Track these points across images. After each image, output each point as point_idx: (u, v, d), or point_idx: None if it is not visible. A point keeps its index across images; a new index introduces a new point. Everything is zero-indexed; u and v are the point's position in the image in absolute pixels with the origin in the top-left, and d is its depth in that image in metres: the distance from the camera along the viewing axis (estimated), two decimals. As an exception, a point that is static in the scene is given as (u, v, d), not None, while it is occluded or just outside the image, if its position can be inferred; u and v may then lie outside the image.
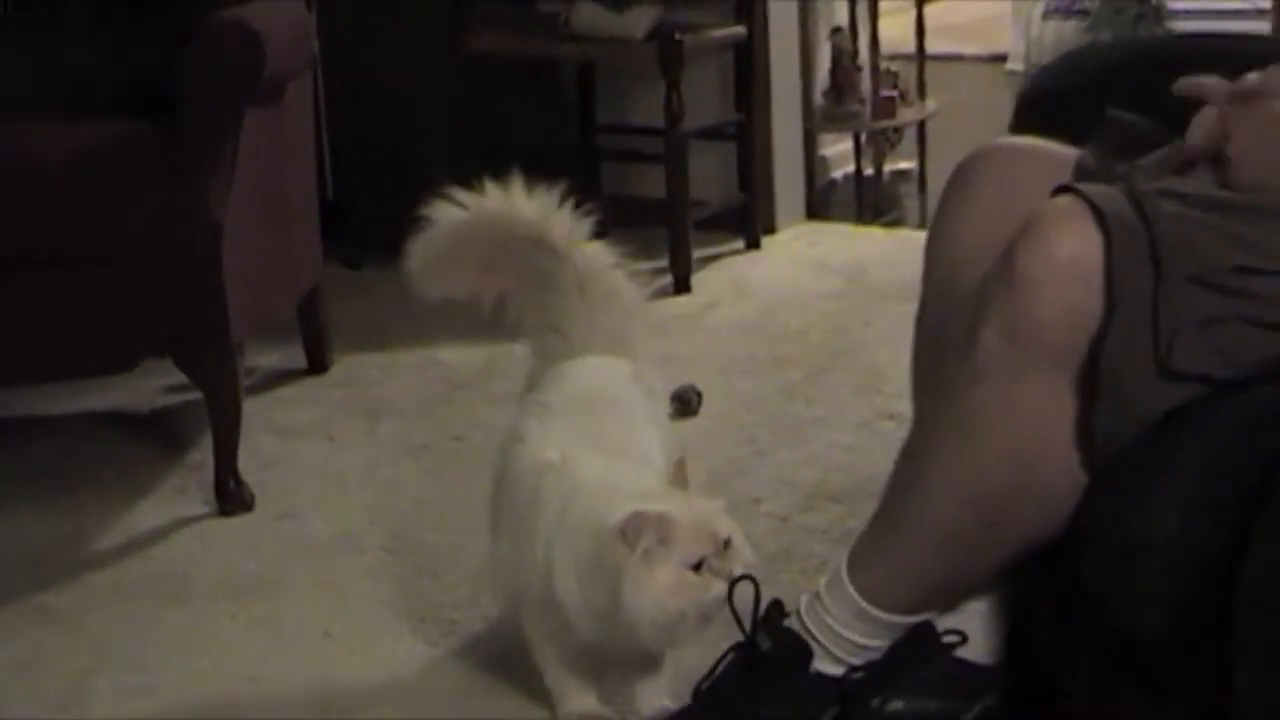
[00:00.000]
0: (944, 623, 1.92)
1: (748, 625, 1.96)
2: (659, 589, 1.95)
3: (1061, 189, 1.74)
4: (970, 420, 1.77)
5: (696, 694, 2.01)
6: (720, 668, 1.99)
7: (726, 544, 1.99)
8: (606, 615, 2.01)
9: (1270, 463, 1.57)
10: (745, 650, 1.96)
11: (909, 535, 1.86)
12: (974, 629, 1.93)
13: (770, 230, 4.66)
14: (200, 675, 2.38)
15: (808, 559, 2.62)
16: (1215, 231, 1.69)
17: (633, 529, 1.96)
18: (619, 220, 4.80)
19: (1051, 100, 2.29)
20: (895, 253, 4.34)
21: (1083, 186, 1.72)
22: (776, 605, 1.96)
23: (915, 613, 1.89)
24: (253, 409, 3.17)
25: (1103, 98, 2.07)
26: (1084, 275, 1.67)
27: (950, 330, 1.89)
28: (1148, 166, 1.85)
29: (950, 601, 1.92)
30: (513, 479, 2.23)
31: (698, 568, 1.97)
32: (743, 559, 2.00)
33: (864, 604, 1.88)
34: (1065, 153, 1.99)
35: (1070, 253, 1.67)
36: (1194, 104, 1.86)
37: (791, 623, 1.94)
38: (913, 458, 1.88)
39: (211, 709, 2.30)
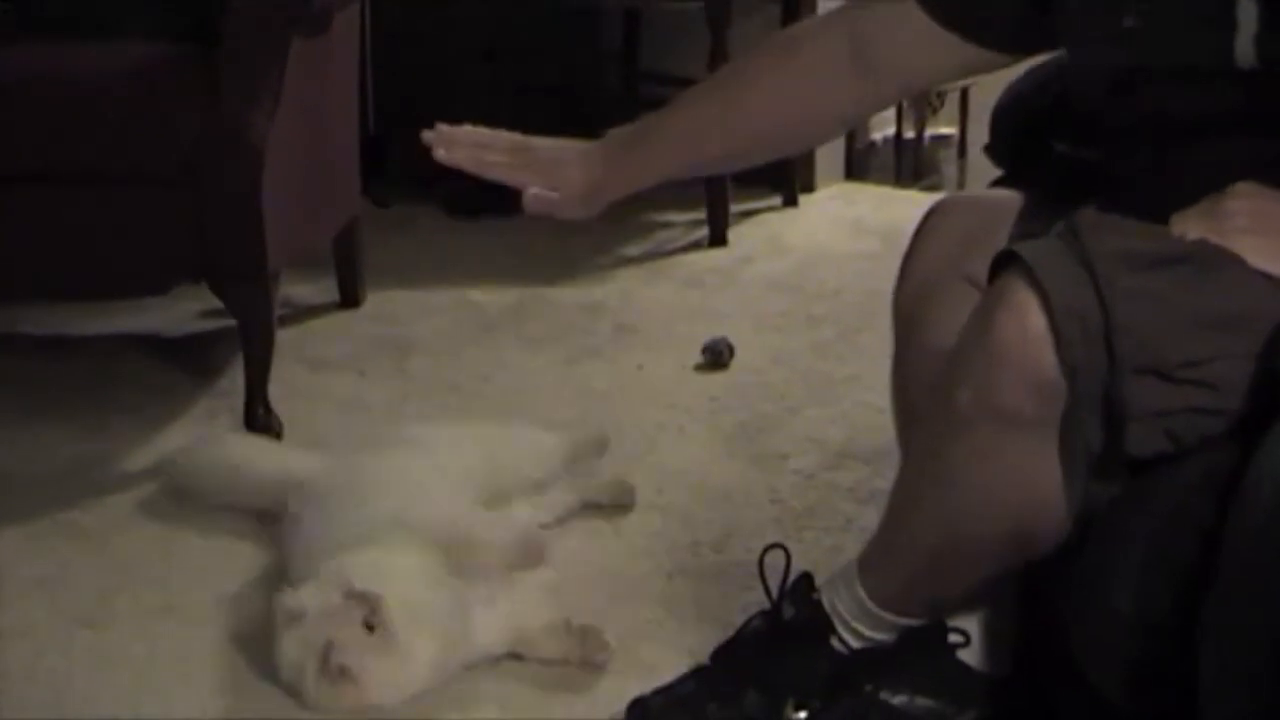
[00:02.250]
0: (952, 621, 1.93)
1: (775, 594, 1.98)
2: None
3: (1007, 255, 1.71)
4: (949, 474, 1.78)
5: (715, 655, 2.02)
6: (742, 632, 2.01)
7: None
8: None
9: (1207, 535, 1.57)
10: (768, 617, 1.98)
11: (904, 557, 1.88)
12: (979, 635, 1.94)
13: (808, 189, 4.65)
14: (221, 601, 2.39)
15: (833, 517, 2.62)
16: (1173, 309, 1.65)
17: None
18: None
19: (1017, 116, 2.29)
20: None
21: (1032, 256, 1.67)
22: (805, 577, 1.96)
23: (918, 618, 1.91)
24: (284, 339, 3.17)
25: (1054, 117, 2.09)
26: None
27: (913, 371, 1.97)
28: (1093, 217, 1.78)
29: (952, 612, 1.93)
30: None
31: None
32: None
33: (869, 603, 1.90)
34: (1015, 202, 2.01)
35: (1042, 329, 1.64)
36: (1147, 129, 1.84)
37: (818, 596, 1.94)
38: (903, 492, 1.90)
39: (232, 634, 2.30)
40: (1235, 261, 1.66)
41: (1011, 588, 1.92)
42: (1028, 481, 1.73)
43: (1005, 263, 1.70)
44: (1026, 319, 1.65)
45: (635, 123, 2.11)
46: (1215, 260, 1.66)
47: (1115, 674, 1.69)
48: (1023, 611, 1.95)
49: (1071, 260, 1.65)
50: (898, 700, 1.91)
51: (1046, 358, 1.65)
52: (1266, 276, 1.66)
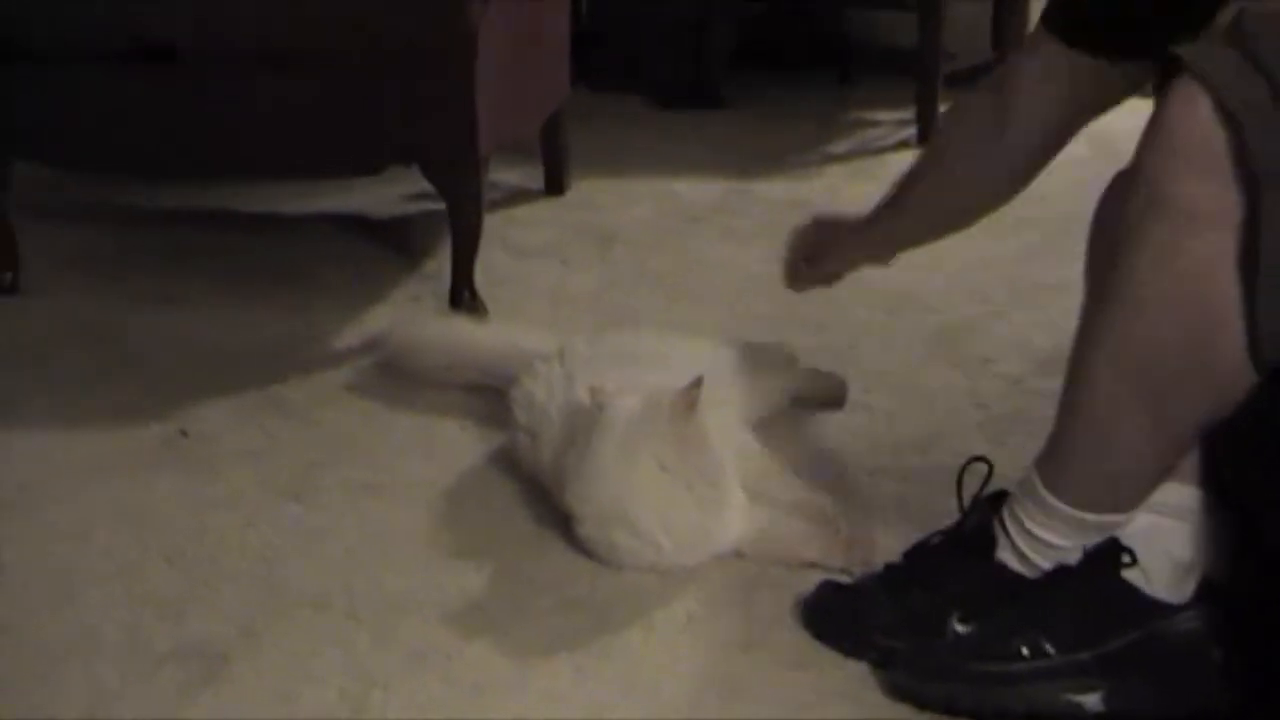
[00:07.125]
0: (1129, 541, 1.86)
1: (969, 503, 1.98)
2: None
3: (1174, 62, 1.66)
4: (1124, 288, 1.72)
5: (906, 553, 2.03)
6: (932, 536, 2.01)
7: None
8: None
9: None
10: (955, 527, 1.98)
11: (1073, 419, 1.83)
12: (1153, 564, 1.85)
13: (1019, 90, 4.56)
14: (426, 480, 2.41)
15: (1036, 423, 2.54)
16: None
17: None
18: (866, 67, 4.76)
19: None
20: (1144, 124, 4.22)
21: (1193, 55, 1.63)
22: (1001, 494, 1.95)
23: (1094, 510, 1.84)
24: (489, 225, 3.17)
25: None
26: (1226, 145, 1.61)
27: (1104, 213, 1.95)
28: (1261, 16, 1.68)
29: (1120, 501, 1.84)
30: None
31: None
32: None
33: (1045, 494, 1.85)
34: None
35: (1209, 110, 1.60)
36: None
37: (1003, 513, 1.92)
38: (1077, 342, 1.84)
39: (435, 512, 2.33)
40: None
41: (1204, 511, 1.86)
42: (1203, 291, 1.66)
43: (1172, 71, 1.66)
44: (1193, 104, 1.61)
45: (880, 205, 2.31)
46: None
47: None
48: (1216, 537, 1.88)
49: (1238, 56, 1.61)
50: (1049, 613, 1.85)
51: (1217, 136, 1.60)
52: None
